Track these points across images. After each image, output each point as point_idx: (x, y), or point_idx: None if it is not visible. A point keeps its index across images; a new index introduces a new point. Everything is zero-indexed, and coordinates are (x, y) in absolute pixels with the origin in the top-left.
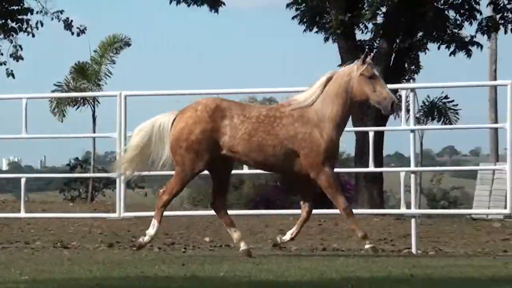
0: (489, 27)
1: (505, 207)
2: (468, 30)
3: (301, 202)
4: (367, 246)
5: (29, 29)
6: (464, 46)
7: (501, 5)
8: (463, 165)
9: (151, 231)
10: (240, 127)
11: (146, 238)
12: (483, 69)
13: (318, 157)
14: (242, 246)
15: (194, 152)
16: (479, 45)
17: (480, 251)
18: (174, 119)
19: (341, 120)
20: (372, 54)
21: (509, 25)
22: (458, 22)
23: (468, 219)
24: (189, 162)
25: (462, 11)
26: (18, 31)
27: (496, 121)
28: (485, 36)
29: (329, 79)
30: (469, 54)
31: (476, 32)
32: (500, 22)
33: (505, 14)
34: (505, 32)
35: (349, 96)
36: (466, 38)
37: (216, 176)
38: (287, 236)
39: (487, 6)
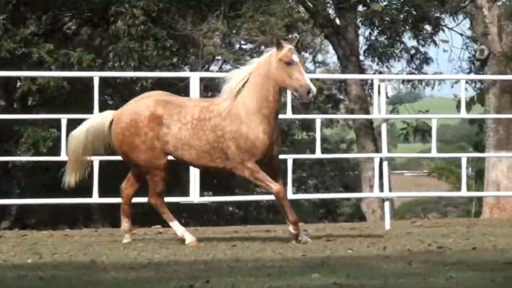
0: None
1: None
2: None
3: None
4: (291, 230)
5: None
6: None
7: None
8: None
9: (179, 230)
10: (179, 136)
11: (188, 238)
12: None
13: (243, 155)
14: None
15: (148, 155)
16: None
17: None
18: (111, 121)
19: (268, 112)
20: (298, 39)
21: None
22: None
23: None
24: (151, 160)
25: None
26: None
27: None
28: None
29: (252, 69)
30: None
31: None
32: None
33: None
34: None
35: (272, 85)
36: None
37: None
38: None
39: None
